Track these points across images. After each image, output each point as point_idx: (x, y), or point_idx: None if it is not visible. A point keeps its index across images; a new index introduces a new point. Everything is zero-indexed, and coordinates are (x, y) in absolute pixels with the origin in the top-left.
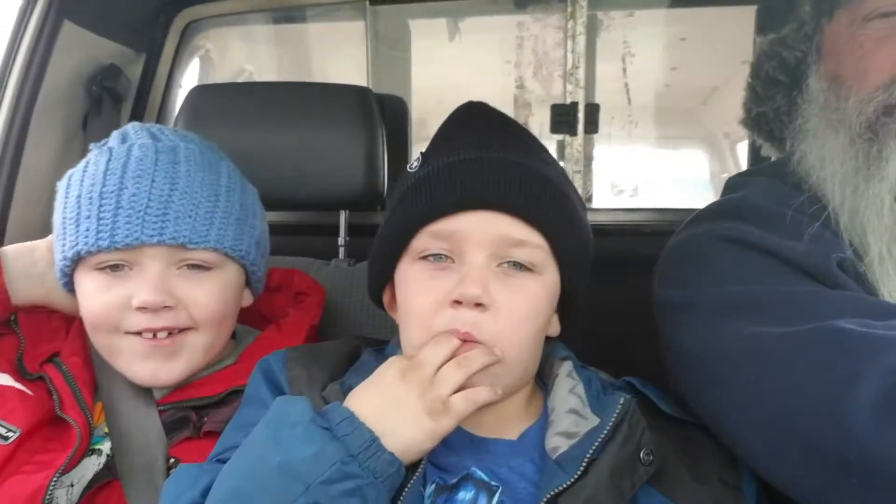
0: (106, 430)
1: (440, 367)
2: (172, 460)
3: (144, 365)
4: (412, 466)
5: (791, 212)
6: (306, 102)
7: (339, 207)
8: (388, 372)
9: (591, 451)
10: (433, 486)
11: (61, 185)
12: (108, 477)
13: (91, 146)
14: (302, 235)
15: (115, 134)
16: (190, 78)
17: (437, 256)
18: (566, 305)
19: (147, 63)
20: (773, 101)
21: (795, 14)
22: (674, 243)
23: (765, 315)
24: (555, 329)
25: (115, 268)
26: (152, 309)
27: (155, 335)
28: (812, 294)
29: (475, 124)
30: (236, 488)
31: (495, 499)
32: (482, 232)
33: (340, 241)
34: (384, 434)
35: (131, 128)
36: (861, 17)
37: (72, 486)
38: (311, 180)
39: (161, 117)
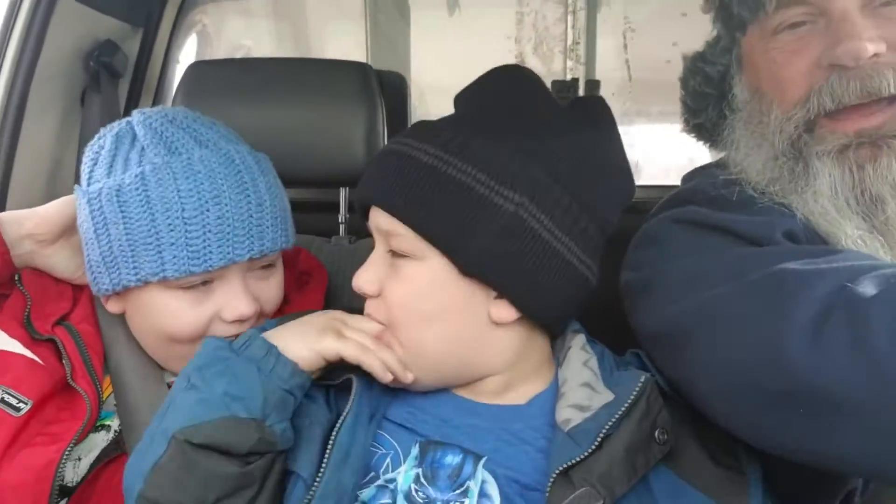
0: (115, 403)
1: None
2: None
3: None
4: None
5: (738, 190)
6: (306, 79)
7: (339, 184)
8: (315, 318)
9: (607, 427)
10: (417, 446)
11: (107, 201)
12: (116, 451)
13: (110, 150)
14: (302, 213)
15: (149, 138)
16: (188, 54)
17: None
18: (505, 290)
19: (144, 39)
20: (704, 112)
21: (714, 28)
22: (637, 233)
23: (716, 278)
24: (503, 315)
25: (194, 287)
26: (245, 319)
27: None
28: (758, 250)
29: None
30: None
31: (481, 464)
32: (375, 221)
33: (341, 218)
34: (281, 346)
35: (165, 128)
36: (770, 30)
37: (79, 459)
38: (310, 157)
39: (159, 93)
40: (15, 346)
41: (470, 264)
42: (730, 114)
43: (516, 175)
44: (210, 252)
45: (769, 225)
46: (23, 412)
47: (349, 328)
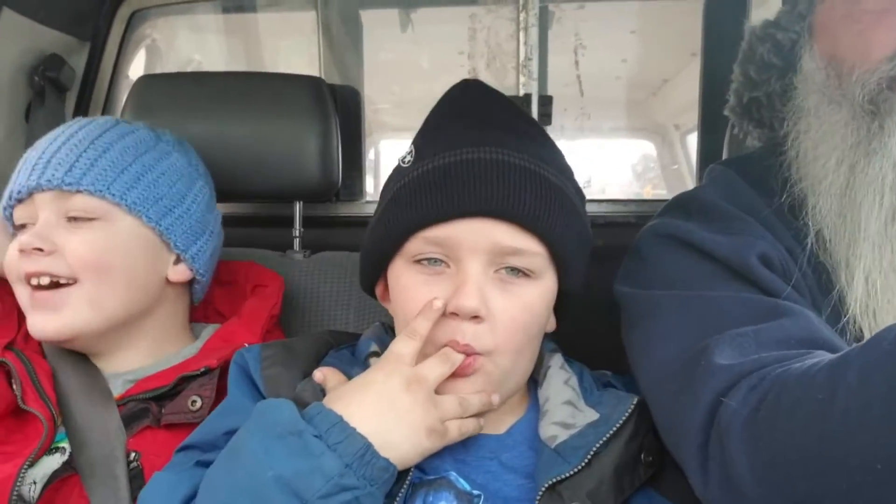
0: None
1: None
2: (133, 454)
3: (33, 317)
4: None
5: (731, 207)
6: (258, 92)
7: (293, 198)
8: (390, 379)
9: (598, 445)
10: (408, 485)
11: None
12: (67, 472)
13: None
14: (255, 227)
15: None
16: (137, 69)
17: (432, 261)
18: (563, 303)
19: (92, 53)
20: (767, 84)
21: None
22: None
23: (667, 322)
24: (551, 326)
25: (23, 226)
26: (27, 252)
27: (38, 285)
28: (709, 302)
29: (471, 111)
30: None
31: None
32: (479, 240)
33: (295, 232)
34: (380, 441)
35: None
36: None
37: (34, 483)
38: (264, 171)
39: (107, 108)
40: None
41: (573, 284)
42: (798, 83)
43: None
44: (20, 176)
45: (745, 247)
46: None
47: (446, 409)
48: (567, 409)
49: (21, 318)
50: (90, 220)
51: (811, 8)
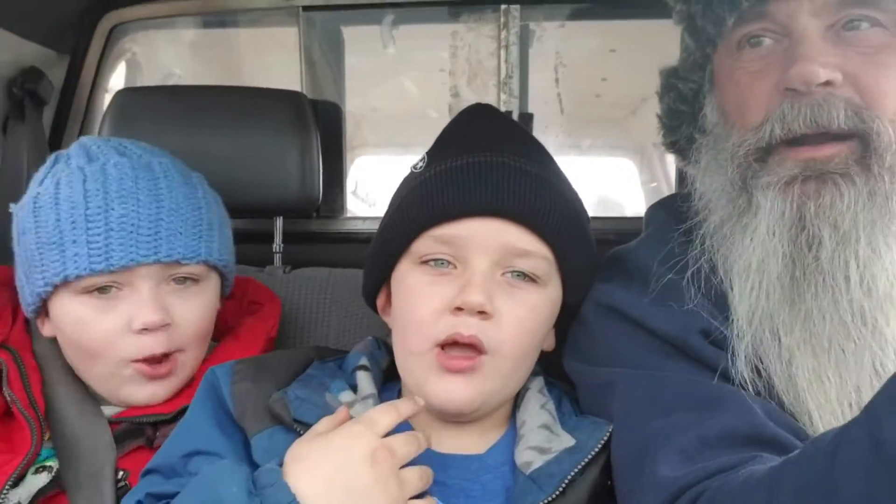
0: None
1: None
2: (122, 472)
3: (143, 388)
4: None
5: (671, 274)
6: (238, 107)
7: (273, 214)
8: (355, 446)
9: (573, 472)
10: None
11: (24, 210)
12: (54, 489)
13: (44, 169)
14: (235, 243)
15: (76, 151)
16: (117, 82)
17: (439, 262)
18: (563, 319)
19: (71, 66)
20: (679, 130)
21: (686, 44)
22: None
23: (617, 404)
24: (549, 344)
25: (103, 290)
26: (153, 329)
27: (154, 361)
28: (656, 382)
29: (484, 127)
30: None
31: None
32: (488, 239)
33: (276, 247)
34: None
35: (93, 144)
36: (734, 45)
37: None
38: (244, 186)
39: (86, 122)
40: None
41: (576, 296)
42: (699, 136)
43: None
44: (111, 249)
45: (686, 324)
46: None
47: (410, 487)
48: (543, 433)
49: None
50: (196, 281)
51: (707, 58)
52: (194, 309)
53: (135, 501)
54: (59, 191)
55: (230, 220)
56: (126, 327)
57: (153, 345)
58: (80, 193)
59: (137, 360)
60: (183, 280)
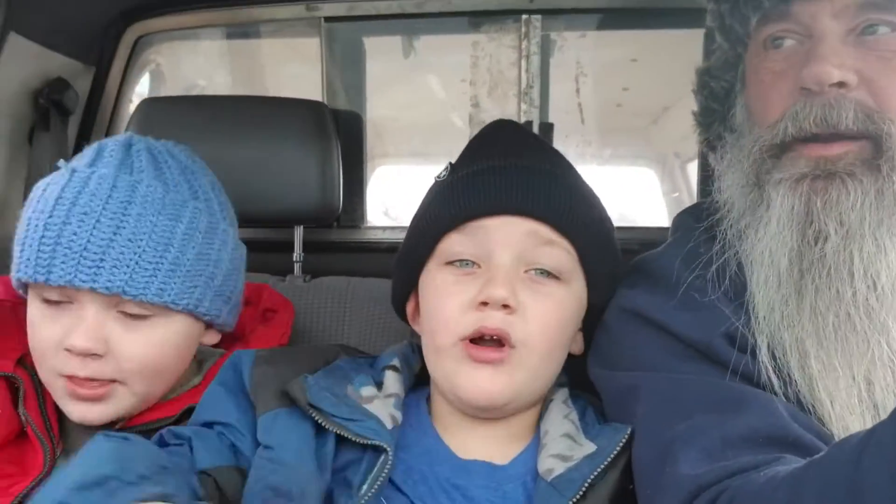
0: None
1: None
2: None
3: (74, 406)
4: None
5: (695, 272)
6: (260, 116)
7: (293, 223)
8: None
9: (592, 477)
10: None
11: (34, 190)
12: None
13: (65, 160)
14: (256, 252)
15: (91, 150)
16: (141, 93)
17: (464, 262)
18: (589, 325)
19: (96, 77)
20: (712, 128)
21: (719, 43)
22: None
23: (639, 408)
24: (577, 347)
25: (56, 302)
26: (79, 354)
27: (83, 380)
28: (677, 384)
29: (505, 138)
30: None
31: None
32: (509, 235)
33: (295, 257)
34: None
35: (112, 144)
36: (761, 44)
37: None
38: (265, 196)
39: (110, 132)
40: None
41: (600, 297)
42: (728, 134)
43: None
44: (54, 265)
45: (709, 327)
46: None
47: None
48: (565, 441)
49: None
50: (146, 317)
51: (739, 57)
52: (139, 345)
53: (158, 436)
54: (47, 187)
55: (236, 261)
56: (61, 342)
57: (78, 367)
58: (53, 198)
59: (64, 375)
60: (137, 317)
